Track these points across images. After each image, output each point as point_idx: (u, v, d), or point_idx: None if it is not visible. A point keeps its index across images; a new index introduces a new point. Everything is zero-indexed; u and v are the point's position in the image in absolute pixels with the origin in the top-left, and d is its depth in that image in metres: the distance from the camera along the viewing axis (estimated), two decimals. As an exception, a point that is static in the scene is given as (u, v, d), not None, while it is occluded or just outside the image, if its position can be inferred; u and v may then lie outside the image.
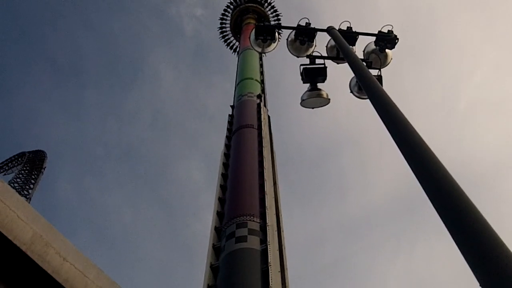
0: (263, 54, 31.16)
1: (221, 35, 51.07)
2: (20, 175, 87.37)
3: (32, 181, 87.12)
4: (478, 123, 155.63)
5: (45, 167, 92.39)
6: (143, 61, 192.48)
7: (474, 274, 2.88)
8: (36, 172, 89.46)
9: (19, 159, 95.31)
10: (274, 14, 50.13)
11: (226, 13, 50.34)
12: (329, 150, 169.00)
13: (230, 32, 50.17)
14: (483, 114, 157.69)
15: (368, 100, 5.95)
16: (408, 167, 4.15)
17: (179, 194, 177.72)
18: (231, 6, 49.97)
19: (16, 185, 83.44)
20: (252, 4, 48.42)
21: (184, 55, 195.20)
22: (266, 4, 49.85)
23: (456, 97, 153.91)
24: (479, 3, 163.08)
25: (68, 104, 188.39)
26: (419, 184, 3.84)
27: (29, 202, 78.63)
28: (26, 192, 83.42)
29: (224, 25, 50.65)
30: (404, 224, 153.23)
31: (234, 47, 49.96)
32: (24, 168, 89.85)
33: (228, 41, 50.90)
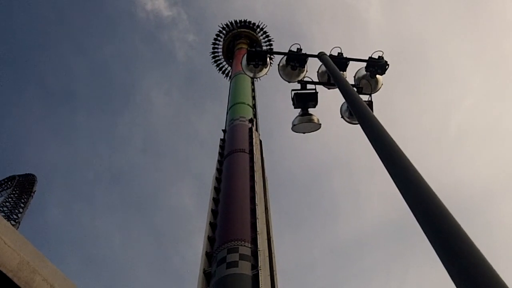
0: (255, 79, 31.42)
1: (213, 59, 51.43)
2: (10, 199, 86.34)
3: (22, 205, 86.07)
4: (468, 149, 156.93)
5: (35, 191, 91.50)
6: (134, 86, 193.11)
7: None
8: (25, 196, 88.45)
9: (9, 183, 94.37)
10: (266, 39, 50.70)
11: (219, 38, 50.83)
12: (320, 174, 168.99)
13: (222, 56, 50.55)
14: (473, 140, 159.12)
15: (358, 125, 5.98)
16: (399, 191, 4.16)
17: (169, 219, 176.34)
18: (224, 31, 50.51)
19: (5, 209, 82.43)
20: (245, 30, 49.01)
21: (176, 80, 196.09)
22: (258, 30, 50.43)
23: (446, 123, 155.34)
24: (468, 31, 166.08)
25: (59, 128, 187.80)
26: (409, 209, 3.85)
27: (18, 227, 77.76)
28: (15, 216, 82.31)
29: (216, 50, 51.06)
30: (396, 249, 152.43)
31: (226, 71, 50.28)
32: (14, 192, 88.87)
33: (220, 65, 51.23)
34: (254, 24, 50.42)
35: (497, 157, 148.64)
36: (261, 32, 50.62)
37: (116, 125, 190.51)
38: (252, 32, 49.06)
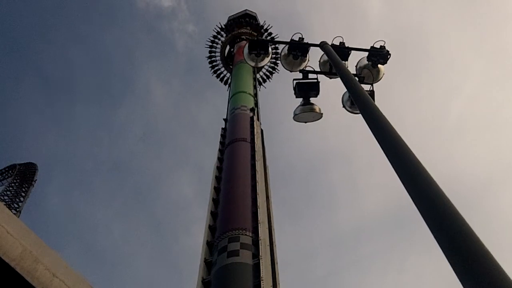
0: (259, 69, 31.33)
1: (211, 54, 50.52)
2: (11, 188, 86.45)
3: (23, 194, 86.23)
4: (468, 138, 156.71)
5: (36, 180, 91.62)
6: (134, 76, 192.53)
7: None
8: (26, 185, 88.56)
9: (10, 172, 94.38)
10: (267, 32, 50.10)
11: (219, 33, 50.04)
12: (319, 164, 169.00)
13: (221, 50, 49.85)
14: (473, 129, 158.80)
15: (360, 115, 5.97)
16: (399, 181, 4.15)
17: (169, 209, 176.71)
18: (224, 26, 49.80)
19: (6, 198, 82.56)
20: (245, 29, 48.30)
21: (176, 70, 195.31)
22: (259, 26, 49.80)
23: (446, 112, 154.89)
24: (469, 21, 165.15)
25: (58, 118, 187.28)
26: (409, 199, 3.84)
27: (19, 215, 78.01)
28: (16, 205, 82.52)
29: (216, 43, 50.33)
30: (395, 239, 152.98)
31: (228, 66, 49.64)
32: (15, 181, 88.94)
33: (221, 59, 50.49)
34: (256, 19, 49.92)
35: (497, 146, 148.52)
36: (263, 28, 50.00)
37: (116, 114, 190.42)
38: (254, 32, 48.36)
